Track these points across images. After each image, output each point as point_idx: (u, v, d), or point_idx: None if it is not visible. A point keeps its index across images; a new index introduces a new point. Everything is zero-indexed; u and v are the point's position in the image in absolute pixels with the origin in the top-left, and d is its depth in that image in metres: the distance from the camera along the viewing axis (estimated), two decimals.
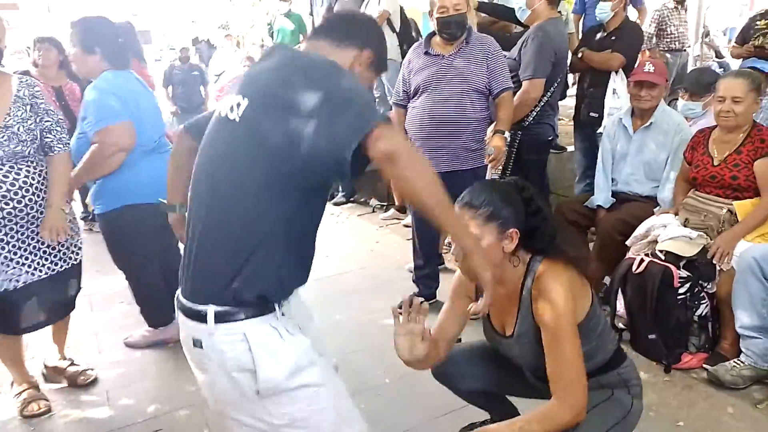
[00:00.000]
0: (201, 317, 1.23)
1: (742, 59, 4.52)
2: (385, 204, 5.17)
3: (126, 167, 2.52)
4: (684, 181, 2.89)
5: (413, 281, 3.29)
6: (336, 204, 5.43)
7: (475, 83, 2.83)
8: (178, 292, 1.33)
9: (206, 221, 1.26)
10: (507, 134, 2.88)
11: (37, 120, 2.17)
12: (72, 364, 2.60)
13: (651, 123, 3.05)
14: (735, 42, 4.78)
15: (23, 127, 2.09)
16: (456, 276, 1.79)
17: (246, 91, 1.24)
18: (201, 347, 1.24)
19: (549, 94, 3.33)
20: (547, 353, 1.48)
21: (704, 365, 2.50)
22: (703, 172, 2.72)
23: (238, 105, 1.22)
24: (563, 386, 1.44)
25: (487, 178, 2.91)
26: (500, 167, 3.20)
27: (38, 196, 2.18)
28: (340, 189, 5.49)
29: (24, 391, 2.39)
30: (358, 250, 4.30)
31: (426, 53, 2.93)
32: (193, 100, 7.15)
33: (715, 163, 2.69)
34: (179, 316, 1.32)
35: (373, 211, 5.21)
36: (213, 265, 1.25)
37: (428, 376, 1.76)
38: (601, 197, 3.17)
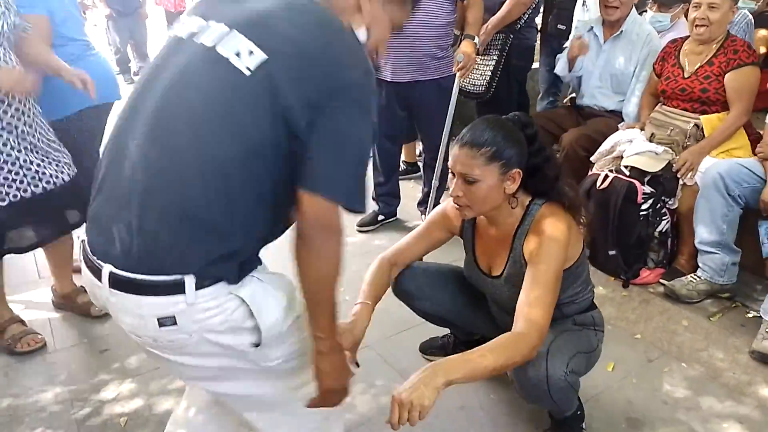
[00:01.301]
0: (172, 289, 1.01)
1: None
2: None
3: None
4: (651, 95, 2.82)
5: (372, 198, 3.17)
6: None
7: None
8: (107, 269, 1.03)
9: (160, 177, 1.01)
10: (476, 39, 2.69)
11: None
12: (84, 292, 2.32)
13: (621, 32, 2.93)
14: None
15: None
16: (441, 208, 1.72)
17: (262, 40, 1.00)
18: (174, 324, 1.02)
19: None
20: (526, 281, 1.41)
21: (661, 280, 2.52)
22: (673, 84, 2.63)
23: (251, 53, 0.99)
24: (533, 313, 1.35)
25: (454, 87, 2.72)
26: (487, 76, 3.07)
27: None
28: None
29: (8, 327, 2.15)
30: None
31: None
32: (130, 2, 6.50)
33: (686, 75, 2.61)
34: (113, 300, 1.05)
35: None
36: (180, 233, 1.00)
37: (387, 294, 1.67)
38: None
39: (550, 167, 1.49)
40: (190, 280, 1.00)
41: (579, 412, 1.66)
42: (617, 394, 1.90)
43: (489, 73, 3.16)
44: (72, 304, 2.34)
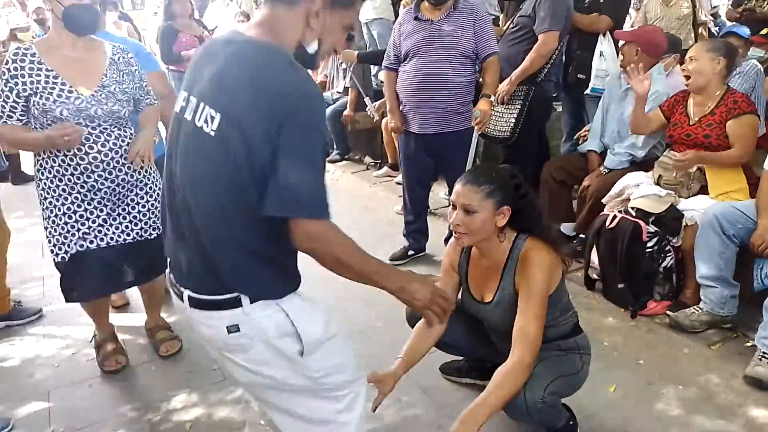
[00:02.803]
0: (232, 304, 1.30)
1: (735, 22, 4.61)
2: (379, 162, 5.34)
3: None
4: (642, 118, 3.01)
5: (403, 235, 3.50)
6: (331, 162, 5.60)
7: (462, 48, 2.97)
8: (186, 293, 1.35)
9: (201, 222, 1.28)
10: (493, 98, 3.04)
11: (132, 83, 2.28)
12: (165, 329, 2.66)
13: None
14: (730, 5, 4.86)
15: (119, 87, 2.21)
16: (445, 254, 2.03)
17: (215, 104, 1.22)
18: (238, 330, 1.31)
19: (561, 47, 3.48)
20: (519, 310, 1.73)
21: (667, 312, 2.74)
22: (680, 130, 2.89)
23: (212, 118, 1.22)
24: (527, 337, 1.68)
25: (473, 139, 3.06)
26: (511, 123, 3.40)
27: (125, 158, 2.25)
28: (335, 147, 5.64)
29: (105, 344, 2.50)
30: (351, 206, 4.49)
31: (416, 18, 3.04)
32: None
33: (691, 123, 2.87)
34: (194, 315, 1.36)
35: (367, 169, 5.38)
36: (230, 260, 1.27)
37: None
38: (594, 143, 3.38)
39: (533, 209, 1.81)
40: (245, 297, 1.30)
41: (571, 422, 1.91)
42: (616, 413, 2.13)
43: (513, 121, 3.49)
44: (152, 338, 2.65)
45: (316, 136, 1.21)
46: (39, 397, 2.34)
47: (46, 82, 2.09)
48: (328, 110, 5.45)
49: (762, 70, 3.52)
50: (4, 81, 2.08)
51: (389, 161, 5.11)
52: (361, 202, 4.59)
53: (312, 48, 1.32)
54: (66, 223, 2.22)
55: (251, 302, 1.31)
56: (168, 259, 1.48)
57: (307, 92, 1.21)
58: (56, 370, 2.52)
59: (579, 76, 3.92)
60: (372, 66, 5.15)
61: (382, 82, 5.19)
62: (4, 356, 2.64)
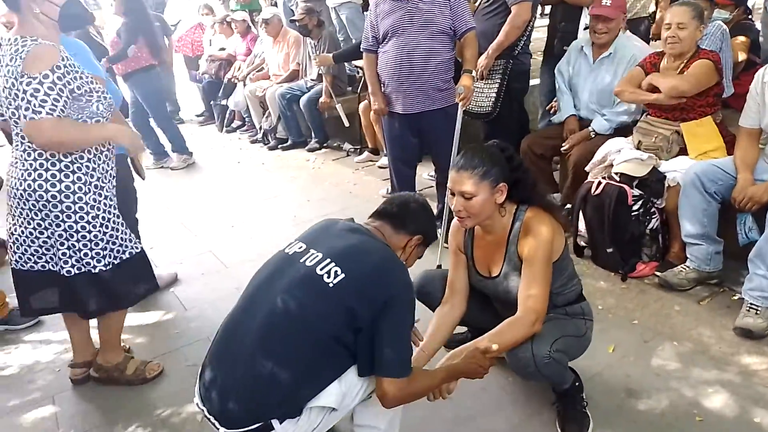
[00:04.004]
0: (265, 429, 1.45)
1: None
2: (359, 147, 5.34)
3: None
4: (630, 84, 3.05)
5: None
6: (310, 150, 5.58)
7: (440, 25, 2.98)
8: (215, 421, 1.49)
9: (260, 348, 1.47)
10: (474, 72, 3.06)
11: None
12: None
13: (610, 53, 3.26)
14: None
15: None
16: (451, 234, 2.06)
17: (341, 262, 1.53)
18: None
19: (535, 18, 3.49)
20: (523, 274, 1.78)
21: (655, 272, 2.83)
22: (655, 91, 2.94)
23: (336, 273, 1.51)
24: (531, 299, 1.73)
25: (458, 115, 3.09)
26: (492, 97, 3.44)
27: None
28: (313, 135, 5.62)
29: (127, 364, 2.40)
30: (337, 193, 4.50)
31: None
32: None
33: None
34: None
35: (347, 155, 5.38)
36: (273, 391, 1.45)
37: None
38: (567, 109, 3.44)
39: (528, 178, 1.85)
40: (276, 422, 1.45)
41: (577, 383, 1.97)
42: (617, 371, 2.21)
43: (493, 95, 3.52)
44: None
45: (410, 315, 1.59)
46: (44, 402, 2.32)
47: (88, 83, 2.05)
48: (303, 98, 5.43)
49: (727, 30, 3.61)
50: (57, 77, 1.92)
51: (369, 146, 5.12)
52: (346, 188, 4.60)
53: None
54: (122, 225, 2.20)
55: (280, 423, 1.45)
56: (200, 389, 1.57)
57: (410, 286, 1.62)
58: (58, 374, 2.49)
59: (565, 48, 3.92)
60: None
61: (356, 66, 5.24)
62: (3, 364, 2.60)
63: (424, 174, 4.32)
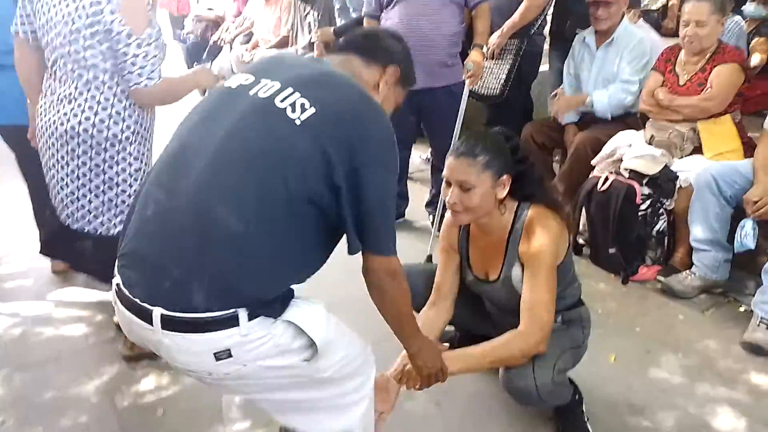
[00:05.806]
0: (227, 323, 1.10)
1: None
2: None
3: None
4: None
5: None
6: None
7: None
8: (158, 312, 1.10)
9: (219, 218, 1.11)
10: (484, 48, 2.83)
11: None
12: None
13: (612, 39, 3.06)
14: None
15: None
16: (442, 232, 1.83)
17: (307, 93, 1.18)
18: (230, 356, 1.12)
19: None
20: (525, 282, 1.57)
21: (658, 277, 2.67)
22: (670, 91, 2.77)
23: (302, 107, 1.16)
24: (536, 310, 1.54)
25: (464, 94, 2.85)
26: (501, 79, 3.20)
27: None
28: None
29: None
30: None
31: None
32: None
33: (681, 83, 2.75)
34: (166, 340, 1.12)
35: None
36: (237, 271, 1.11)
37: None
38: (570, 116, 3.22)
39: (534, 172, 1.64)
40: (243, 313, 1.10)
41: (577, 397, 1.79)
42: (618, 383, 2.04)
43: (504, 77, 3.28)
44: None
45: (393, 177, 1.27)
46: None
47: None
48: None
49: (744, 27, 3.43)
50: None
51: None
52: None
53: None
54: None
55: (248, 320, 1.12)
56: (119, 265, 1.20)
57: (392, 132, 1.27)
58: (5, 351, 2.25)
59: (578, 31, 3.72)
60: (337, 20, 4.83)
61: None
62: None
63: (418, 156, 4.09)
